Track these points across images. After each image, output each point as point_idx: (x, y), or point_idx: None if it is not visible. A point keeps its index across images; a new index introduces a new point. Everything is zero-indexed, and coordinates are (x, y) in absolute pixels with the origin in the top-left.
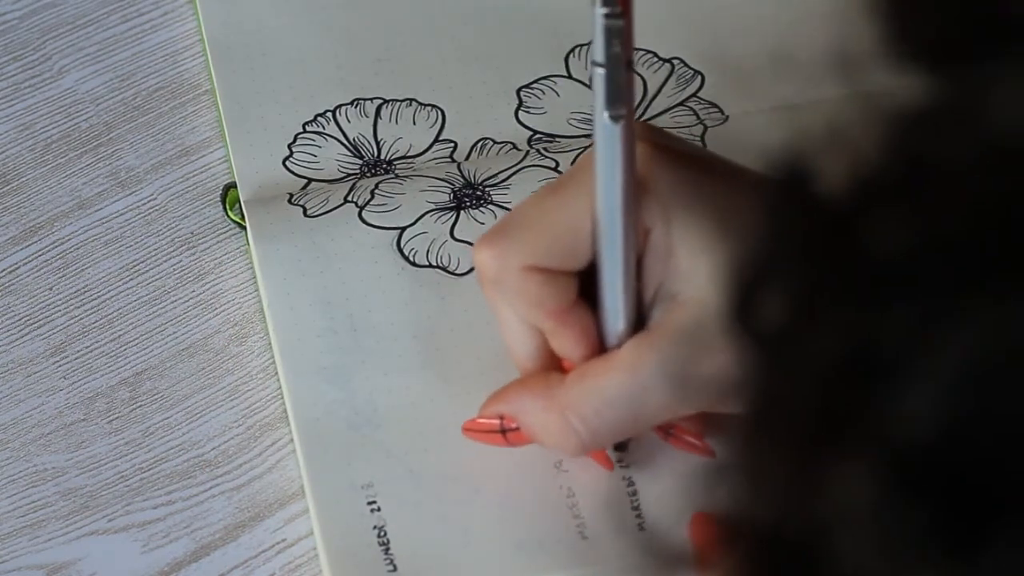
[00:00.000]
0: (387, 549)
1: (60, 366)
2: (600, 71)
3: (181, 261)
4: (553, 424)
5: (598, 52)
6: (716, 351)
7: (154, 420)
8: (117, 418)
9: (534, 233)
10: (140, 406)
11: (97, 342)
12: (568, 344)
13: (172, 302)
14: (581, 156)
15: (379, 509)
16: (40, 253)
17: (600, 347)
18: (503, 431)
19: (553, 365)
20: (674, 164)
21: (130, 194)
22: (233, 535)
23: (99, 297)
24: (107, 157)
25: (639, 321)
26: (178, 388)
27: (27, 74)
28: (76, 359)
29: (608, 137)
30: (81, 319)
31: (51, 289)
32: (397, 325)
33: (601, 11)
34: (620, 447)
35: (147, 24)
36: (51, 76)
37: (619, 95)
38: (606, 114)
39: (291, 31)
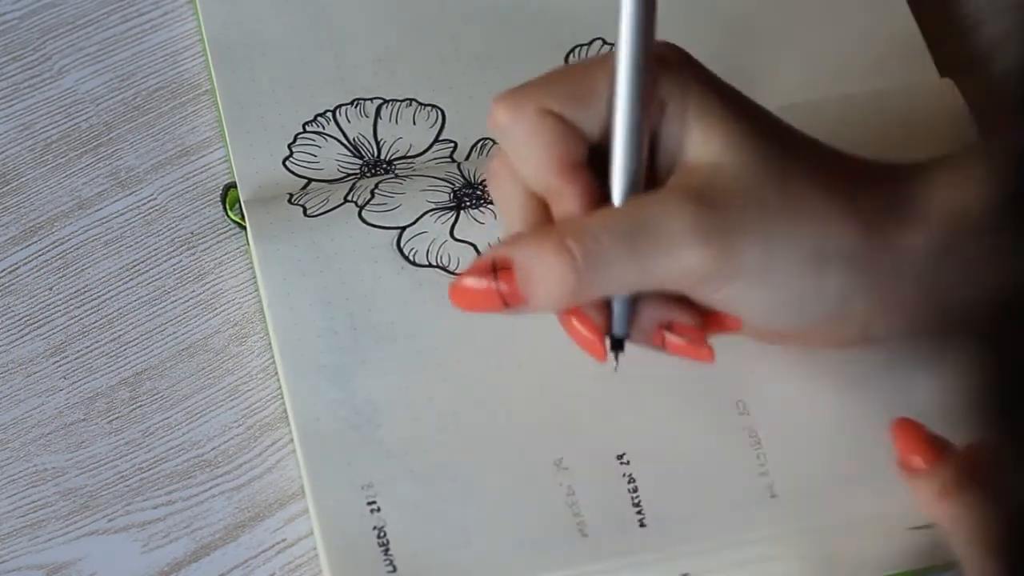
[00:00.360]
0: (387, 550)
1: (60, 366)
2: None
3: (181, 261)
4: (549, 253)
5: None
6: (729, 205)
7: (154, 420)
8: (117, 418)
9: (552, 79)
10: (140, 406)
11: (97, 342)
12: (572, 204)
13: (172, 302)
14: None
15: (379, 509)
16: (40, 253)
17: None
18: (495, 270)
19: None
20: (691, 58)
21: (130, 194)
22: (233, 535)
23: (99, 297)
24: (107, 157)
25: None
26: (178, 388)
27: (27, 74)
28: (76, 359)
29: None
30: (81, 319)
31: (51, 289)
32: (397, 325)
33: None
34: (616, 344)
35: (147, 24)
36: (51, 76)
37: None
38: None
39: (291, 31)
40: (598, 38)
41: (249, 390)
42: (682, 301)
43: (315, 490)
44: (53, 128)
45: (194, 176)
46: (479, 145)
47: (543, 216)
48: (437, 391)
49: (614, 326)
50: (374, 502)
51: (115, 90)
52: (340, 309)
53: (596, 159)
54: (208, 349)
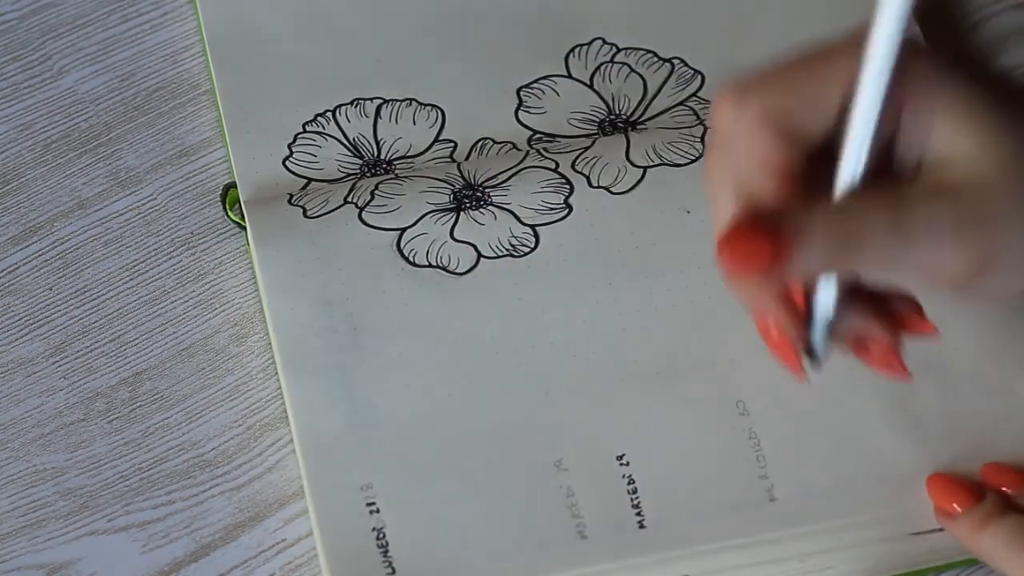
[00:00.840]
0: (386, 551)
1: (60, 366)
2: None
3: (181, 261)
4: (820, 218)
5: None
6: (975, 216)
7: (154, 420)
8: (117, 418)
9: (781, 76)
10: (140, 406)
11: (97, 342)
12: (786, 201)
13: (172, 302)
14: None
15: (378, 511)
16: (40, 253)
17: None
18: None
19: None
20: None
21: (130, 194)
22: (233, 535)
23: (99, 297)
24: (107, 157)
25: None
26: (178, 388)
27: (27, 74)
28: (76, 359)
29: None
30: (81, 319)
31: (51, 289)
32: (397, 324)
33: None
34: (814, 357)
35: (147, 24)
36: (51, 76)
37: None
38: None
39: (291, 31)
40: (598, 38)
41: (249, 390)
42: (880, 313)
43: (314, 491)
44: (53, 128)
45: (194, 176)
46: (479, 145)
47: None
48: (437, 391)
49: (812, 337)
50: (373, 503)
51: (115, 90)
52: (340, 309)
53: (817, 158)
54: (208, 349)
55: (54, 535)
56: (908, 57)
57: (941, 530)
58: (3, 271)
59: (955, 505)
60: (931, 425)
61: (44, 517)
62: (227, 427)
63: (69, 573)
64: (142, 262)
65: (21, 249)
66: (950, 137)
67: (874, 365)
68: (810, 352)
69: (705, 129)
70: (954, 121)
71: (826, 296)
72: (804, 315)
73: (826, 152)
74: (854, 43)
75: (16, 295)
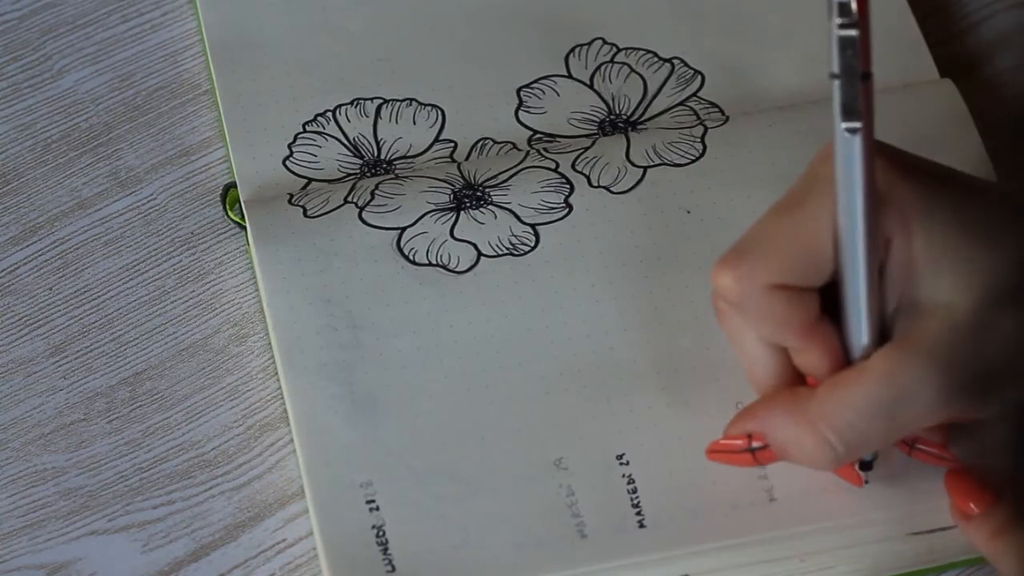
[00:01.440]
0: (386, 549)
1: (60, 366)
2: (835, 83)
3: (181, 261)
4: (807, 439)
5: (833, 63)
6: (970, 355)
7: (154, 420)
8: (117, 418)
9: (776, 251)
10: (140, 406)
11: (97, 342)
12: (814, 360)
13: (172, 302)
14: (812, 167)
15: (378, 508)
16: (40, 253)
17: (845, 361)
18: (752, 450)
19: (794, 384)
20: (912, 175)
21: (130, 194)
22: (233, 535)
23: (99, 297)
24: (107, 157)
25: (882, 334)
26: (178, 388)
27: (27, 74)
28: (76, 359)
29: (846, 149)
30: (81, 319)
31: (51, 289)
32: (397, 322)
33: (836, 22)
34: (865, 466)
35: (147, 24)
36: (51, 76)
37: (854, 106)
38: (843, 126)
39: (291, 31)
40: (598, 38)
41: (249, 390)
42: None
43: (314, 487)
44: (53, 128)
45: (194, 176)
46: (479, 145)
47: (783, 360)
48: (437, 389)
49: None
50: (373, 500)
51: (115, 90)
52: (340, 307)
53: (828, 300)
54: (208, 349)
55: (54, 535)
56: (879, 207)
57: (941, 530)
58: (3, 271)
59: (972, 505)
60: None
61: (44, 517)
62: (227, 427)
63: (69, 573)
64: (142, 262)
65: (21, 249)
66: (929, 282)
67: (927, 461)
68: (863, 464)
69: (706, 130)
70: (932, 264)
71: None
72: None
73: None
74: (826, 187)
75: (16, 295)
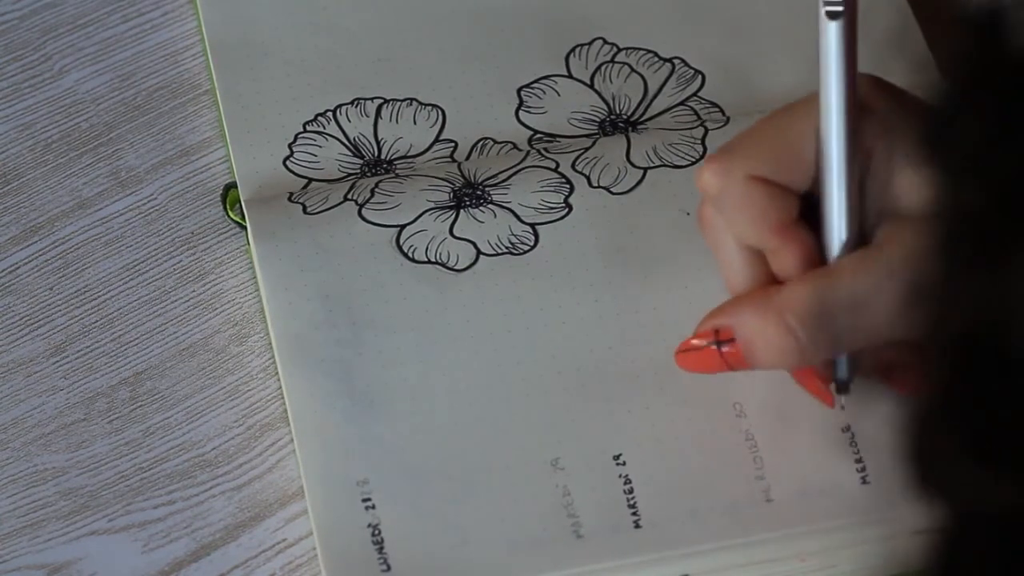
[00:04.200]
0: (381, 548)
1: (60, 366)
2: None
3: (181, 261)
4: (771, 329)
5: None
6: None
7: (154, 420)
8: (117, 418)
9: (759, 144)
10: (140, 406)
11: (97, 342)
12: (790, 261)
13: (172, 302)
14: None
15: (374, 506)
16: (40, 253)
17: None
18: (719, 344)
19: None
20: (895, 91)
21: (130, 194)
22: (233, 535)
23: (99, 297)
24: (107, 157)
25: (859, 242)
26: (178, 388)
27: (27, 74)
28: (76, 359)
29: (828, 36)
30: (81, 319)
31: (51, 289)
32: (396, 319)
33: None
34: (842, 388)
35: (147, 24)
36: (51, 76)
37: None
38: (824, 9)
39: (291, 31)
40: (598, 38)
41: (249, 390)
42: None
43: (311, 484)
44: (53, 128)
45: (194, 176)
46: (479, 145)
47: (760, 265)
48: (435, 387)
49: (837, 372)
50: (369, 499)
51: (115, 90)
52: (339, 303)
53: (808, 208)
54: (208, 349)
55: (54, 535)
56: (859, 114)
57: None
58: (3, 271)
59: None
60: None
61: (45, 517)
62: (228, 427)
63: (70, 573)
64: (142, 262)
65: (21, 249)
66: (908, 192)
67: (904, 392)
68: (839, 385)
69: (706, 131)
70: (912, 174)
71: None
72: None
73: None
74: (815, 97)
75: (16, 295)
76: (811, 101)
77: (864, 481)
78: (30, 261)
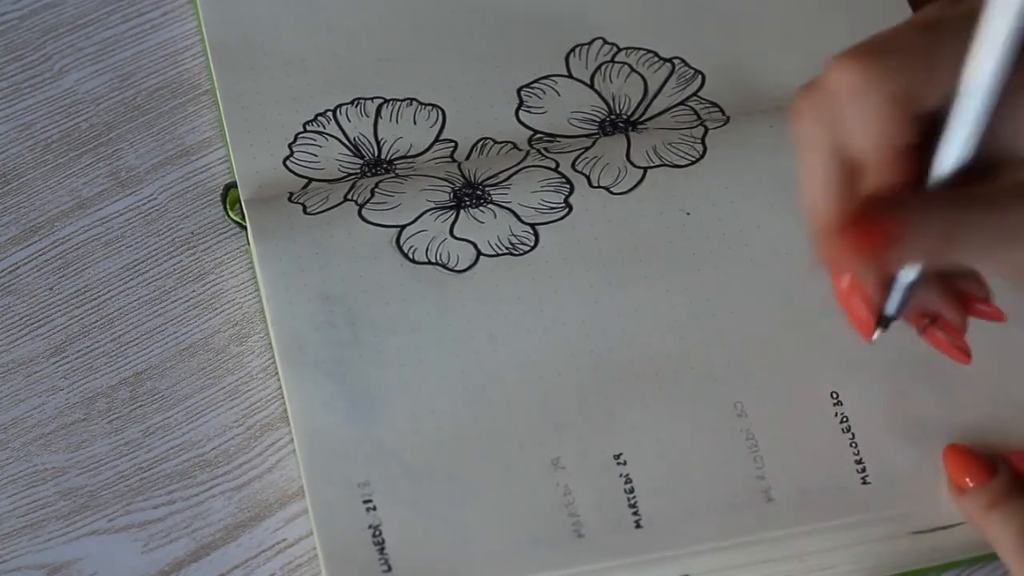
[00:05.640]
0: (382, 549)
1: (60, 366)
2: None
3: (181, 261)
4: (918, 213)
5: None
6: None
7: (154, 420)
8: (117, 418)
9: (904, 54)
10: (140, 406)
11: (97, 342)
12: (896, 180)
13: (172, 302)
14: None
15: (375, 508)
16: (40, 253)
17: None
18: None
19: (846, 206)
20: None
21: (130, 194)
22: (233, 535)
23: (99, 297)
24: (107, 157)
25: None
26: (178, 388)
27: (27, 74)
28: (76, 359)
29: None
30: (81, 319)
31: (51, 289)
32: (396, 320)
33: None
34: (884, 323)
35: (147, 24)
36: (51, 76)
37: None
38: None
39: (291, 31)
40: (598, 38)
41: (249, 390)
42: (953, 295)
43: (312, 485)
44: (53, 128)
45: (194, 176)
46: (479, 145)
47: (850, 182)
48: (435, 387)
49: (888, 306)
50: (370, 500)
51: (115, 90)
52: (339, 304)
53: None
54: (208, 349)
55: (55, 535)
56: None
57: (943, 528)
58: (3, 271)
59: (968, 479)
60: (930, 426)
61: (45, 517)
62: (227, 427)
63: (70, 573)
64: (142, 262)
65: (21, 249)
66: None
67: (937, 345)
68: (883, 320)
69: (706, 130)
70: None
71: (908, 273)
72: (883, 287)
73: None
74: (967, 21)
75: (16, 295)
76: (965, 20)
77: (864, 482)
78: (30, 261)
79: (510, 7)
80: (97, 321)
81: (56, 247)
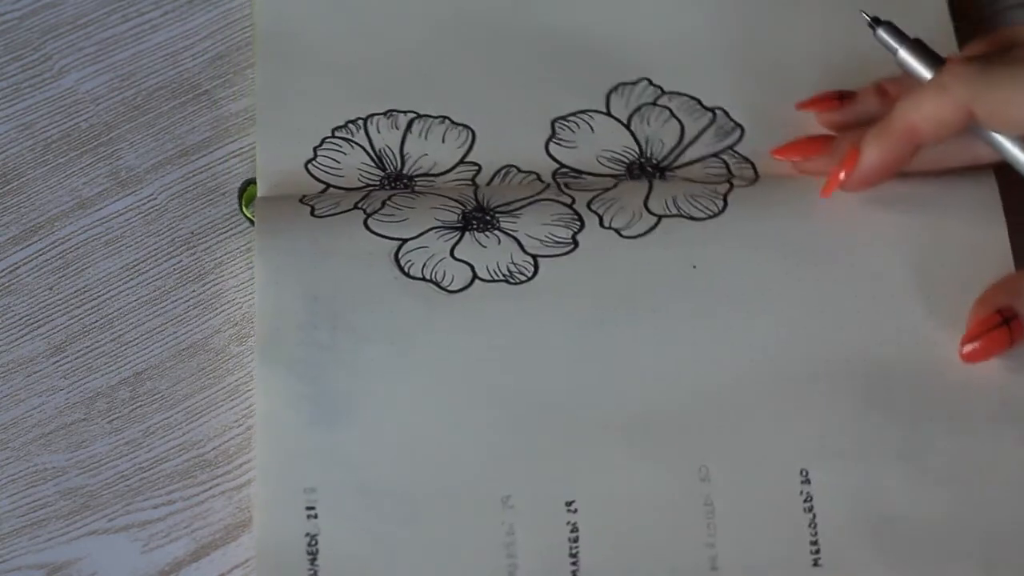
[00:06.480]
0: (314, 559)
1: (60, 366)
2: None
3: (181, 261)
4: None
5: None
6: None
7: (154, 420)
8: (117, 418)
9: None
10: (140, 406)
11: (97, 342)
12: None
13: (172, 302)
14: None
15: (316, 516)
16: (40, 253)
17: None
18: (1006, 321)
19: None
20: None
21: (130, 194)
22: (233, 535)
23: (99, 297)
24: (107, 157)
25: None
26: (178, 388)
27: (27, 74)
28: (76, 359)
29: None
30: (81, 319)
31: (51, 289)
32: (377, 329)
33: None
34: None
35: (147, 24)
36: (51, 76)
37: None
38: None
39: (340, 35)
40: (645, 78)
41: (249, 390)
42: None
43: (261, 481)
44: (53, 128)
45: (194, 176)
46: (503, 171)
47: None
48: (401, 404)
49: None
50: (313, 508)
51: (115, 90)
52: (325, 306)
53: None
54: (208, 349)
55: (55, 535)
56: None
57: None
58: (3, 271)
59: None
60: (897, 521)
61: (45, 517)
62: (227, 427)
63: (70, 573)
64: (142, 262)
65: (21, 249)
66: None
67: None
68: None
69: (731, 187)
70: None
71: None
72: None
73: None
74: None
75: (16, 295)
76: None
77: (816, 564)
78: (30, 261)
79: (563, 37)
80: (97, 321)
81: (56, 247)
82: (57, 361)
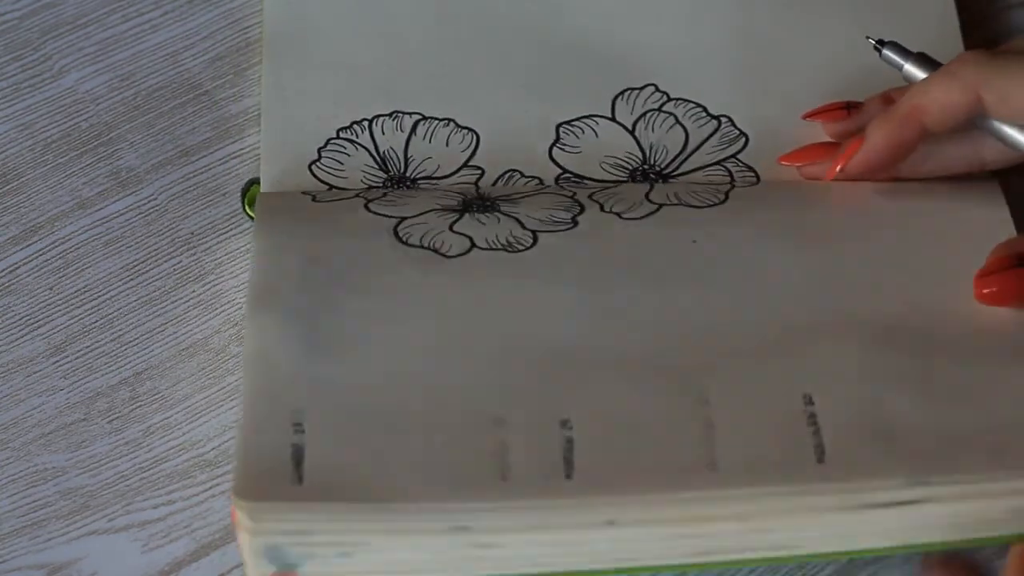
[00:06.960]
0: (299, 464)
1: (60, 366)
2: None
3: (181, 261)
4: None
5: None
6: None
7: (154, 420)
8: (117, 418)
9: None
10: (140, 406)
11: (97, 342)
12: None
13: (172, 302)
14: None
15: (303, 431)
16: (40, 253)
17: None
18: (1021, 263)
19: None
20: None
21: (130, 194)
22: (233, 535)
23: (99, 297)
24: (107, 157)
25: None
26: (178, 388)
27: (27, 74)
28: (76, 359)
29: None
30: (81, 319)
31: (51, 289)
32: (371, 284)
33: None
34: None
35: (147, 24)
36: (51, 76)
37: None
38: None
39: (348, 36)
40: (651, 84)
41: None
42: None
43: (248, 401)
44: (53, 128)
45: (194, 176)
46: (505, 175)
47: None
48: (392, 344)
49: None
50: (300, 424)
51: (115, 90)
52: (321, 264)
53: None
54: (208, 349)
55: (55, 535)
56: None
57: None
58: (3, 271)
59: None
60: (902, 430)
61: (45, 517)
62: (227, 427)
63: (69, 573)
64: (142, 262)
65: (21, 249)
66: None
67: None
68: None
69: (733, 186)
70: None
71: None
72: None
73: None
74: None
75: (16, 295)
76: None
77: (820, 460)
78: (30, 261)
79: (570, 42)
80: (97, 321)
81: (56, 247)
82: (57, 361)
